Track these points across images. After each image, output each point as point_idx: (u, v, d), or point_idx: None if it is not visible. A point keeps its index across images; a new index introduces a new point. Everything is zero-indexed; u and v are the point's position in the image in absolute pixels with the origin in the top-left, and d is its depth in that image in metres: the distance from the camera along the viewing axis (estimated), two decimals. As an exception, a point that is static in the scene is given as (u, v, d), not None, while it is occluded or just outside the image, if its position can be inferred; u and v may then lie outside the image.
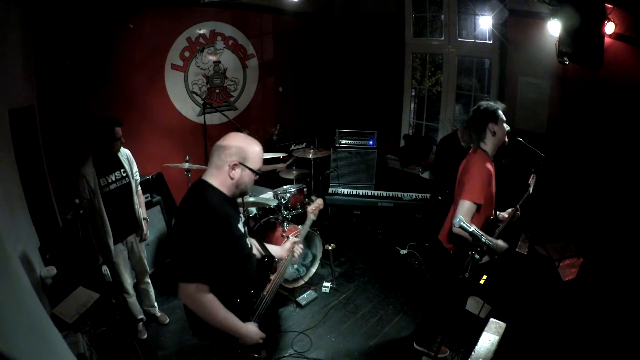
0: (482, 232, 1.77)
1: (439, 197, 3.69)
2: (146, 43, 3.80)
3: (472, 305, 2.86)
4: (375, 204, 4.15)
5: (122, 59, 3.66)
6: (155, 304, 3.05)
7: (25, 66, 2.83)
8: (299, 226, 3.41)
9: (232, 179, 1.55)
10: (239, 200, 1.77)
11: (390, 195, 4.23)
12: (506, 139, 2.19)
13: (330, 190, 4.31)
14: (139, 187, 2.83)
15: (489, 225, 2.21)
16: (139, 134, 3.80)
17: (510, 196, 2.44)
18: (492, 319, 1.70)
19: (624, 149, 3.03)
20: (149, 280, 2.98)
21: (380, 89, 5.41)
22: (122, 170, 2.63)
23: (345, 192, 4.30)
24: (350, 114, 5.69)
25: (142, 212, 2.82)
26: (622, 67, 2.96)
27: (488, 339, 1.60)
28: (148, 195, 3.49)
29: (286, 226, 3.38)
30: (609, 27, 2.76)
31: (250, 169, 1.57)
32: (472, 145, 2.24)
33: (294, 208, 3.55)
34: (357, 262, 4.01)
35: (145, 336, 2.89)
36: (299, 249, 1.95)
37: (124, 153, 2.68)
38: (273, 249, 1.92)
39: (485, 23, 3.92)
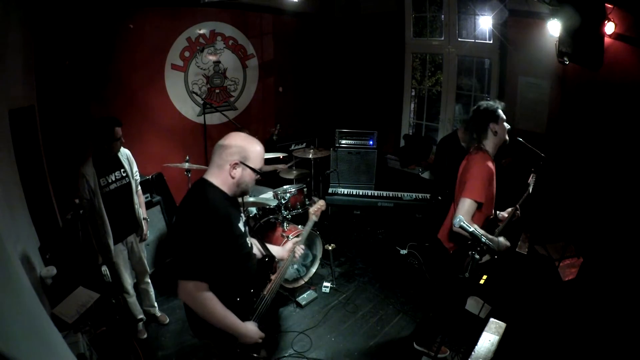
0: (482, 232, 1.77)
1: (439, 197, 3.69)
2: (146, 43, 3.80)
3: (472, 305, 2.86)
4: (375, 204, 4.15)
5: (122, 59, 3.66)
6: (155, 304, 3.05)
7: (25, 66, 2.83)
8: (299, 226, 3.41)
9: (233, 178, 1.55)
10: (239, 200, 1.77)
11: (390, 195, 4.22)
12: (507, 138, 2.20)
13: (330, 190, 4.31)
14: (139, 187, 2.83)
15: (489, 224, 2.21)
16: (139, 134, 3.80)
17: (510, 196, 2.44)
18: (492, 319, 1.70)
19: (624, 149, 3.03)
20: (149, 280, 2.98)
21: (380, 89, 5.41)
22: (122, 170, 2.63)
23: (345, 192, 4.30)
24: (350, 114, 5.69)
25: (142, 212, 2.82)
26: (622, 67, 2.96)
27: (488, 339, 1.60)
28: (148, 195, 3.49)
29: (286, 226, 3.38)
30: (609, 27, 2.76)
31: (251, 169, 1.57)
32: (472, 145, 2.24)
33: (294, 208, 3.55)
34: (357, 262, 4.01)
35: (145, 336, 2.89)
36: (300, 250, 1.95)
37: (124, 153, 2.68)
38: (274, 249, 1.92)
39: (485, 23, 3.92)
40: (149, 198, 3.50)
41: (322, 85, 5.62)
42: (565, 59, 2.95)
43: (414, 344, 2.74)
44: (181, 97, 4.20)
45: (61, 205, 3.08)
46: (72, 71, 3.27)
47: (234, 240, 1.57)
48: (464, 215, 1.88)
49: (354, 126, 4.85)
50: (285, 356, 2.76)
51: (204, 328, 1.54)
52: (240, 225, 1.64)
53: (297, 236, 3.21)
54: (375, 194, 4.26)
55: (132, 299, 2.81)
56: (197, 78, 4.28)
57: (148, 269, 2.96)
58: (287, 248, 1.97)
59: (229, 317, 1.50)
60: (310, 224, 2.05)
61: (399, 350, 2.81)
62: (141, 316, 2.89)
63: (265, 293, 1.73)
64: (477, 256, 1.71)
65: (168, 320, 3.06)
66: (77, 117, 3.32)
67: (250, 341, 1.56)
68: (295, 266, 3.49)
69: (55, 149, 3.11)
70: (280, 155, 4.00)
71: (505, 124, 2.18)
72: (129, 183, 2.68)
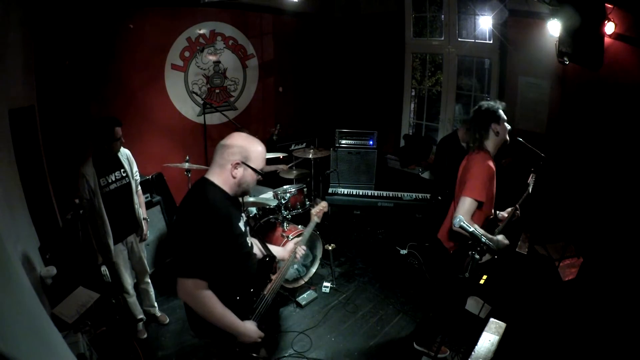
0: (482, 232, 1.77)
1: (439, 197, 3.69)
2: (146, 43, 3.80)
3: (472, 305, 2.86)
4: (375, 204, 4.15)
5: (122, 59, 3.66)
6: (155, 304, 3.05)
7: (25, 66, 2.83)
8: (299, 226, 3.42)
9: (234, 178, 1.56)
10: (239, 199, 1.77)
11: (390, 195, 4.22)
12: (507, 138, 2.20)
13: (330, 190, 4.31)
14: (139, 187, 2.83)
15: (489, 224, 2.21)
16: (139, 134, 3.80)
17: (510, 196, 2.44)
18: (492, 319, 1.70)
19: (623, 149, 3.03)
20: (149, 280, 2.98)
21: (380, 89, 5.41)
22: (122, 170, 2.63)
23: (345, 192, 4.30)
24: (350, 114, 5.69)
25: (142, 212, 2.82)
26: (622, 67, 2.97)
27: (488, 339, 1.60)
28: (148, 195, 3.49)
29: (286, 226, 3.39)
30: (609, 27, 2.76)
31: (253, 169, 1.58)
32: (473, 145, 2.24)
33: (294, 208, 3.55)
34: (357, 262, 4.01)
35: (145, 336, 2.89)
36: (301, 251, 1.95)
37: (124, 153, 2.68)
38: (275, 249, 1.92)
39: (485, 23, 3.92)
40: (149, 198, 3.50)
41: (322, 85, 5.62)
42: (565, 59, 2.95)
43: (414, 344, 2.74)
44: (181, 97, 4.20)
45: (61, 205, 3.08)
46: (72, 71, 3.27)
47: (234, 239, 1.57)
48: (464, 215, 1.88)
49: (354, 126, 4.85)
50: (285, 356, 2.76)
51: (204, 327, 1.54)
52: (241, 224, 1.65)
53: (298, 236, 3.22)
54: (375, 194, 4.26)
55: (132, 299, 2.81)
56: (197, 78, 4.28)
57: (148, 269, 2.96)
58: (288, 248, 1.97)
59: (228, 316, 1.51)
60: (312, 225, 2.05)
61: (399, 350, 2.81)
62: (141, 316, 2.89)
63: (265, 293, 1.73)
64: (477, 256, 1.71)
65: (168, 320, 3.06)
66: (77, 117, 3.32)
67: (249, 340, 1.56)
68: (295, 266, 3.49)
69: (55, 149, 3.11)
70: (280, 155, 4.00)
71: (506, 125, 2.18)
72: (129, 183, 2.68)
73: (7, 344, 0.96)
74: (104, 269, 2.77)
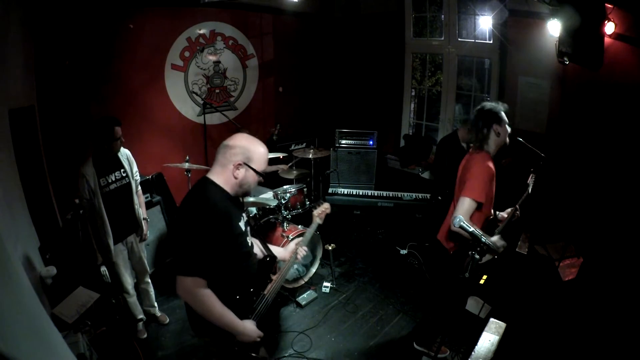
0: (482, 232, 1.77)
1: (439, 197, 3.69)
2: (146, 43, 3.80)
3: (472, 305, 2.86)
4: (375, 204, 4.15)
5: (122, 59, 3.66)
6: (155, 304, 3.05)
7: (25, 66, 2.83)
8: (299, 226, 3.42)
9: (236, 178, 1.57)
10: (240, 199, 1.78)
11: (390, 195, 4.23)
12: (507, 140, 2.21)
13: (330, 190, 4.31)
14: (139, 187, 2.83)
15: (488, 225, 2.21)
16: (139, 134, 3.80)
17: (510, 196, 2.44)
18: (492, 319, 1.70)
19: (623, 149, 3.03)
20: (149, 280, 2.98)
21: (380, 89, 5.41)
22: (122, 170, 2.63)
23: (345, 192, 4.30)
24: (350, 114, 5.70)
25: (142, 212, 2.82)
26: (622, 67, 2.97)
27: (488, 339, 1.60)
28: (148, 195, 3.49)
29: (286, 226, 3.39)
30: (609, 27, 2.76)
31: (254, 170, 1.58)
32: (473, 145, 2.24)
33: (294, 208, 3.55)
34: (357, 262, 4.01)
35: (145, 336, 2.89)
36: (302, 251, 1.96)
37: (124, 153, 2.68)
38: (277, 250, 1.92)
39: (485, 23, 3.92)
40: (149, 198, 3.50)
41: (322, 85, 5.62)
42: (565, 59, 2.95)
43: (414, 344, 2.74)
44: (181, 97, 4.20)
45: (61, 205, 3.08)
46: (72, 71, 3.27)
47: (234, 238, 1.57)
48: (463, 215, 1.88)
49: (354, 126, 4.85)
50: (285, 356, 2.76)
51: (204, 326, 1.55)
52: (241, 224, 1.65)
53: (299, 236, 3.22)
54: (375, 194, 4.26)
55: (133, 299, 2.81)
56: (197, 78, 4.28)
57: (148, 269, 2.96)
58: (289, 249, 1.97)
59: (227, 315, 1.51)
60: (314, 226, 2.05)
61: (399, 350, 2.81)
62: (141, 316, 2.89)
63: (265, 293, 1.73)
64: (477, 256, 1.71)
65: (168, 320, 3.06)
66: (77, 117, 3.32)
67: (248, 340, 1.56)
68: (295, 266, 3.49)
69: (55, 149, 3.11)
70: (281, 155, 4.00)
71: (507, 127, 2.19)
72: (129, 183, 2.68)
73: (7, 344, 0.96)
74: (103, 269, 2.77)
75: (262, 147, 1.62)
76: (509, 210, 2.38)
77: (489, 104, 2.18)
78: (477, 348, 1.56)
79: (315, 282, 3.57)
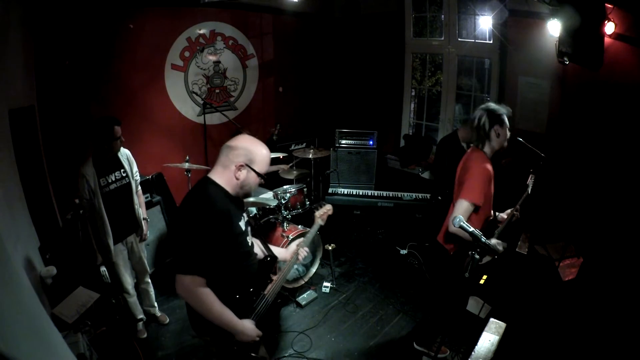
0: (481, 233, 1.77)
1: (439, 197, 3.69)
2: (146, 43, 3.80)
3: (472, 305, 2.86)
4: (375, 204, 4.15)
5: (122, 59, 3.66)
6: (155, 304, 3.05)
7: (25, 66, 2.83)
8: (299, 226, 3.42)
9: (237, 179, 1.57)
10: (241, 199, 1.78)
11: (390, 195, 4.23)
12: (505, 144, 2.22)
13: (330, 190, 4.31)
14: (139, 187, 2.83)
15: (488, 226, 2.21)
16: (139, 134, 3.80)
17: (510, 196, 2.44)
18: (492, 319, 1.70)
19: (623, 149, 3.03)
20: (149, 280, 2.98)
21: (380, 89, 5.41)
22: (122, 170, 2.63)
23: (345, 192, 4.30)
24: (350, 114, 5.69)
25: (142, 212, 2.82)
26: (622, 67, 2.96)
27: (488, 339, 1.60)
28: (148, 195, 3.49)
29: (286, 226, 3.39)
30: (609, 27, 2.76)
31: (256, 172, 1.59)
32: (472, 144, 2.24)
33: (294, 208, 3.55)
34: (357, 262, 4.01)
35: (145, 335, 2.89)
36: (303, 252, 1.96)
37: (124, 153, 2.68)
38: (278, 250, 1.92)
39: (485, 23, 3.92)
40: (149, 198, 3.50)
41: (322, 85, 5.61)
42: (565, 59, 2.95)
43: (414, 344, 2.74)
44: (181, 97, 4.20)
45: (61, 205, 3.08)
46: (72, 71, 3.27)
47: (233, 237, 1.58)
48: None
49: (354, 126, 4.85)
50: (285, 356, 2.76)
51: (204, 325, 1.55)
52: (241, 224, 1.65)
53: (299, 236, 3.22)
54: (375, 194, 4.26)
55: (133, 299, 2.81)
56: (197, 78, 4.28)
57: (148, 269, 2.96)
58: (290, 250, 1.97)
59: (226, 314, 1.51)
60: (315, 227, 2.05)
61: (399, 350, 2.81)
62: (141, 316, 2.89)
63: (265, 293, 1.73)
64: (477, 256, 1.71)
65: (168, 320, 3.06)
66: (77, 117, 3.32)
67: (247, 339, 1.56)
68: (295, 266, 3.49)
69: (55, 149, 3.11)
70: (281, 155, 4.00)
71: (508, 132, 2.19)
72: (129, 183, 2.68)
73: (7, 344, 0.96)
74: (103, 269, 2.77)
75: (264, 149, 1.62)
76: (508, 211, 2.38)
77: (494, 105, 2.19)
78: (477, 348, 1.56)
79: (315, 282, 3.57)
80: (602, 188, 3.14)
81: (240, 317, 1.56)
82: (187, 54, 4.12)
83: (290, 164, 4.14)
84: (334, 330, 3.03)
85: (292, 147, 4.85)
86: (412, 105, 5.37)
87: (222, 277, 1.54)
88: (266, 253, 1.84)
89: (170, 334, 2.94)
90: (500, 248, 2.02)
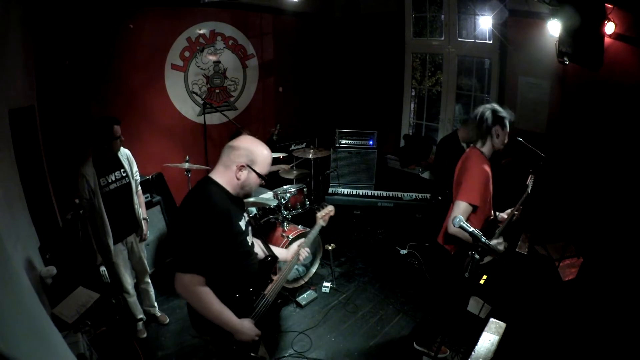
0: (481, 233, 1.77)
1: (439, 197, 3.69)
2: (146, 43, 3.80)
3: (472, 305, 2.86)
4: (375, 204, 4.15)
5: (122, 59, 3.66)
6: (155, 304, 3.05)
7: (25, 66, 2.83)
8: (299, 226, 3.42)
9: (238, 179, 1.58)
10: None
11: (390, 195, 4.23)
12: (502, 147, 2.23)
13: (330, 190, 4.31)
14: (139, 187, 2.83)
15: (488, 226, 2.22)
16: (139, 134, 3.80)
17: (510, 196, 2.44)
18: (492, 319, 1.70)
19: (623, 149, 3.03)
20: (149, 280, 2.98)
21: (380, 89, 5.41)
22: (122, 170, 2.63)
23: (345, 192, 4.30)
24: (350, 114, 5.69)
25: (142, 212, 2.82)
26: (622, 67, 2.96)
27: (488, 339, 1.60)
28: (148, 195, 3.49)
29: (286, 226, 3.39)
30: (609, 27, 2.76)
31: (257, 173, 1.59)
32: (475, 142, 2.25)
33: (294, 208, 3.55)
34: (357, 262, 4.01)
35: (145, 335, 2.89)
36: (304, 253, 1.96)
37: (124, 153, 2.68)
38: (279, 251, 1.93)
39: (485, 23, 3.92)
40: (149, 198, 3.50)
41: (322, 85, 5.61)
42: (565, 59, 2.95)
43: (414, 344, 2.74)
44: (181, 97, 4.20)
45: (61, 205, 3.08)
46: (72, 71, 3.27)
47: (233, 237, 1.58)
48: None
49: (354, 126, 4.85)
50: (285, 356, 2.76)
51: (204, 324, 1.55)
52: (242, 223, 1.65)
53: (299, 236, 3.22)
54: (375, 194, 4.26)
55: (133, 299, 2.81)
56: (197, 78, 4.27)
57: (148, 269, 2.96)
58: (291, 250, 1.97)
59: (225, 313, 1.51)
60: (317, 228, 2.06)
61: (399, 350, 2.81)
62: (141, 316, 2.90)
63: (265, 293, 1.73)
64: (477, 256, 1.71)
65: (168, 320, 3.06)
66: (77, 117, 3.32)
67: (246, 338, 1.56)
68: (295, 266, 3.49)
69: (55, 149, 3.11)
70: (281, 155, 4.00)
71: (506, 136, 2.20)
72: (129, 183, 2.68)
73: (7, 344, 0.96)
74: (102, 269, 2.76)
75: (266, 150, 1.62)
76: (509, 210, 2.38)
77: (497, 106, 2.20)
78: (477, 348, 1.56)
79: (315, 282, 3.57)
80: (602, 188, 3.13)
81: (240, 316, 1.56)
82: (187, 54, 4.12)
83: (292, 165, 4.14)
84: (334, 330, 3.03)
85: (292, 147, 4.85)
86: (412, 105, 5.37)
87: (222, 276, 1.54)
88: (267, 253, 1.84)
89: (170, 334, 2.94)
90: (500, 248, 2.03)
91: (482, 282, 1.97)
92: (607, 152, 3.15)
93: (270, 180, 4.01)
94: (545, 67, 3.55)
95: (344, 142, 4.78)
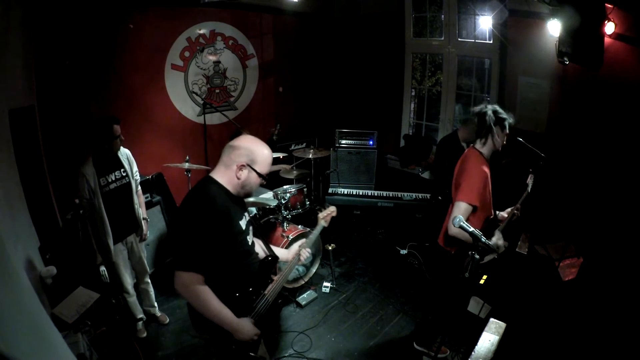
0: (481, 233, 1.77)
1: (439, 197, 3.69)
2: (146, 43, 3.80)
3: (472, 305, 2.86)
4: (375, 204, 4.15)
5: (122, 59, 3.66)
6: (155, 304, 3.05)
7: (25, 66, 2.82)
8: (299, 226, 3.42)
9: (238, 179, 1.58)
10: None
11: (390, 195, 4.23)
12: (500, 148, 2.23)
13: (330, 190, 4.31)
14: (139, 187, 2.83)
15: (488, 225, 2.22)
16: (139, 134, 3.80)
17: (510, 196, 2.44)
18: (492, 319, 1.70)
19: (623, 149, 3.03)
20: (149, 280, 2.98)
21: (380, 89, 5.41)
22: (122, 170, 2.63)
23: (345, 192, 4.30)
24: (350, 114, 5.69)
25: (142, 212, 2.82)
26: (622, 67, 2.96)
27: (488, 339, 1.60)
28: (148, 195, 3.49)
29: (286, 226, 3.39)
30: (609, 27, 2.76)
31: (257, 173, 1.59)
32: (475, 141, 2.25)
33: (294, 208, 3.55)
34: (357, 262, 4.01)
35: (145, 335, 2.89)
36: (305, 253, 1.96)
37: (124, 153, 2.68)
38: (280, 251, 1.93)
39: (485, 23, 3.92)
40: (149, 198, 3.50)
41: (322, 85, 5.61)
42: (565, 59, 2.95)
43: (414, 344, 2.74)
44: (181, 97, 4.20)
45: (61, 205, 3.08)
46: (72, 71, 3.27)
47: (233, 236, 1.58)
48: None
49: (354, 126, 4.85)
50: (285, 356, 2.76)
51: (203, 323, 1.55)
52: (242, 223, 1.66)
53: (299, 236, 3.22)
54: (375, 194, 4.26)
55: (132, 299, 2.81)
56: (197, 78, 4.28)
57: (148, 269, 2.96)
58: (292, 250, 1.97)
59: (224, 312, 1.51)
60: (318, 228, 2.06)
61: (399, 350, 2.81)
62: (141, 315, 2.89)
63: (265, 293, 1.73)
64: (477, 256, 1.71)
65: (168, 320, 3.06)
66: (77, 117, 3.32)
67: (245, 338, 1.56)
68: (296, 266, 3.49)
69: (55, 149, 3.11)
70: (281, 155, 4.00)
71: (504, 138, 2.21)
72: (129, 183, 2.68)
73: (7, 344, 0.96)
74: (102, 269, 2.76)
75: (266, 150, 1.63)
76: (509, 210, 2.39)
77: (499, 108, 2.20)
78: (477, 348, 1.56)
79: (315, 282, 3.57)
80: (602, 188, 3.13)
81: (240, 315, 1.56)
82: (187, 54, 4.12)
83: (292, 165, 4.14)
84: (334, 330, 3.03)
85: (292, 147, 4.85)
86: (412, 105, 5.37)
87: (222, 275, 1.54)
88: (267, 253, 1.84)
89: (170, 334, 2.94)
90: (501, 243, 2.03)
91: (482, 282, 1.97)
92: (607, 152, 3.15)
93: (271, 180, 4.00)
94: (545, 67, 3.55)
95: (344, 142, 4.78)
